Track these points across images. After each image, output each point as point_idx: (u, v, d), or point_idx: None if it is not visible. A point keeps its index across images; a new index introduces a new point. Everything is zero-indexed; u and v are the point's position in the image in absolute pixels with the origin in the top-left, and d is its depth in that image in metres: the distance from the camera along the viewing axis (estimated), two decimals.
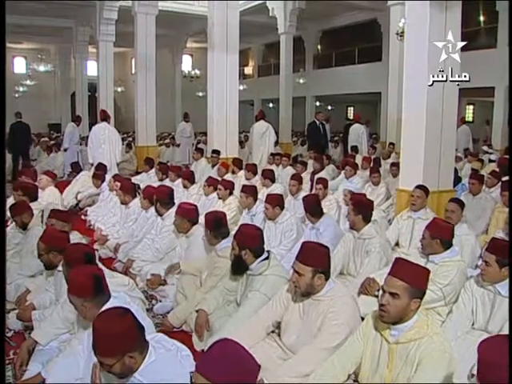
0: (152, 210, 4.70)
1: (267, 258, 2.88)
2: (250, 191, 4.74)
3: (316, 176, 6.50)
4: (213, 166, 7.73)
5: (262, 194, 5.45)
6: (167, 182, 6.45)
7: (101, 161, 7.46)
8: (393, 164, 7.14)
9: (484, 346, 1.48)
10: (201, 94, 19.96)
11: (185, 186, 6.19)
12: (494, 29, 12.52)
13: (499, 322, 2.51)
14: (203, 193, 5.77)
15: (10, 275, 3.45)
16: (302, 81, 18.41)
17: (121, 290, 2.49)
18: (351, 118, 19.57)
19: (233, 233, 3.13)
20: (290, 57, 14.24)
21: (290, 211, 4.58)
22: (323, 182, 5.29)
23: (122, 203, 5.36)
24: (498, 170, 6.51)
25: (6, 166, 8.44)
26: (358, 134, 10.46)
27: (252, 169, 6.72)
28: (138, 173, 9.53)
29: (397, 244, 4.35)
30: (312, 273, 2.33)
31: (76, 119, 11.76)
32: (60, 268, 2.85)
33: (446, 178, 5.08)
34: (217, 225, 3.41)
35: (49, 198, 5.77)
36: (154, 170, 7.86)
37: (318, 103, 21.05)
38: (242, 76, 21.71)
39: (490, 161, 9.08)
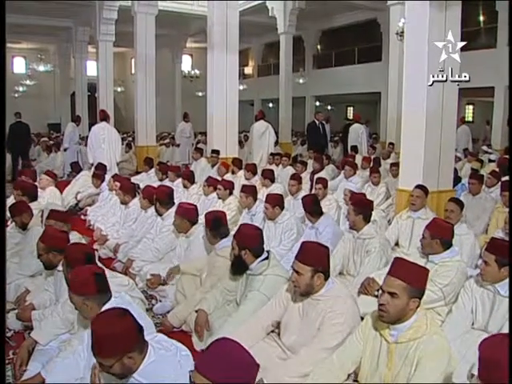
0: (152, 209, 4.70)
1: (267, 258, 2.88)
2: (250, 191, 4.74)
3: (316, 176, 6.49)
4: (212, 166, 7.74)
5: (262, 193, 5.45)
6: (167, 182, 6.46)
7: (101, 161, 7.46)
8: (392, 164, 7.15)
9: (485, 345, 1.49)
10: (200, 93, 19.97)
11: (185, 186, 6.20)
12: (494, 29, 12.53)
13: (499, 321, 2.51)
14: (203, 193, 5.78)
15: (9, 275, 3.45)
16: (301, 81, 18.39)
17: (121, 290, 2.49)
18: (351, 117, 19.52)
19: (233, 233, 3.14)
20: (289, 57, 14.23)
21: (290, 211, 4.58)
22: (323, 181, 5.29)
23: (121, 203, 5.36)
24: (497, 169, 6.52)
25: (5, 165, 8.44)
26: (357, 133, 10.45)
27: (252, 169, 6.73)
28: (137, 173, 9.53)
29: (396, 244, 4.35)
30: (311, 272, 2.34)
31: (76, 119, 11.78)
32: (60, 268, 2.85)
33: (446, 178, 5.08)
34: (216, 224, 3.41)
35: (49, 198, 5.78)
36: (153, 169, 7.87)
37: (317, 103, 21.03)
38: (242, 76, 21.68)
39: (490, 161, 9.07)
